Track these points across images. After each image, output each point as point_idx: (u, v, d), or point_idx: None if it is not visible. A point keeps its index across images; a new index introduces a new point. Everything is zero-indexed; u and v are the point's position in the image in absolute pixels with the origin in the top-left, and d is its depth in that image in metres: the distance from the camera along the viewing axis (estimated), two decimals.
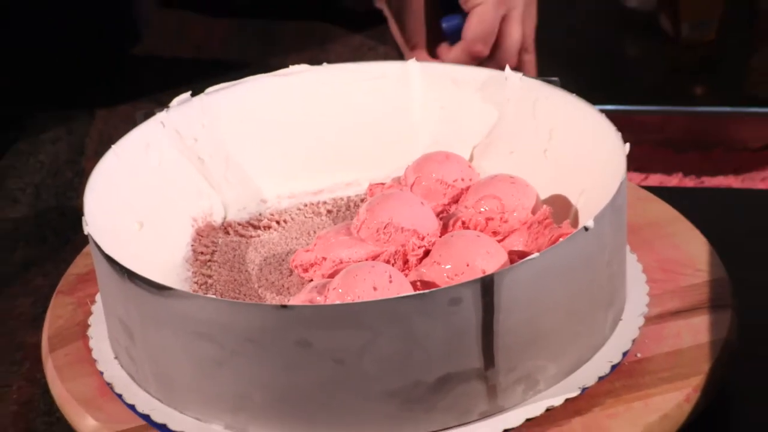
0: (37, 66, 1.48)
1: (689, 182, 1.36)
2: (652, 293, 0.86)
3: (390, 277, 0.79)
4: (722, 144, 1.40)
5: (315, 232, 0.95)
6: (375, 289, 0.77)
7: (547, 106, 0.96)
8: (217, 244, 0.94)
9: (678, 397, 0.73)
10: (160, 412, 0.75)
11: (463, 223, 0.88)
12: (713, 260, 0.89)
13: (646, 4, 1.82)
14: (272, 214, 0.99)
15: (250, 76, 1.04)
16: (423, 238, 0.86)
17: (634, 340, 0.80)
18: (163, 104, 0.97)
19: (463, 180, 0.94)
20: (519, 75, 1.01)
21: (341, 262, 0.85)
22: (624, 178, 0.81)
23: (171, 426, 0.74)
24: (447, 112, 1.02)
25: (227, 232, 0.96)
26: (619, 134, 0.86)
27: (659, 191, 0.99)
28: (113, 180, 0.88)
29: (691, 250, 0.90)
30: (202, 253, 0.93)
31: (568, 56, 1.61)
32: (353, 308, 0.74)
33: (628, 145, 0.85)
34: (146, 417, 0.75)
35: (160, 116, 0.96)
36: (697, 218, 0.95)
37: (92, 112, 1.26)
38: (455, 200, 0.93)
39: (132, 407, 0.76)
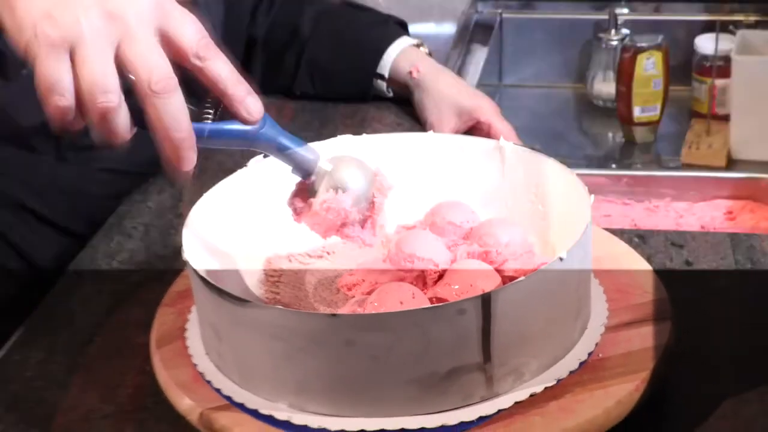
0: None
1: (640, 225, 1.35)
2: (611, 308, 0.86)
3: (413, 294, 0.80)
4: (664, 197, 1.39)
5: (356, 260, 0.94)
6: (401, 303, 0.78)
7: (533, 167, 0.96)
8: (282, 270, 0.94)
9: (630, 387, 0.75)
10: (240, 395, 0.77)
11: (468, 254, 0.88)
12: (656, 284, 0.89)
13: (607, 95, 1.80)
14: (323, 247, 0.98)
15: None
16: (437, 266, 0.86)
17: (596, 344, 0.81)
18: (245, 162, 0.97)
19: (468, 222, 0.93)
20: (512, 144, 1.00)
21: (376, 283, 0.85)
22: (589, 222, 0.82)
23: (247, 405, 0.75)
24: (457, 171, 1.02)
25: (290, 261, 0.96)
26: (586, 188, 0.87)
27: (617, 232, 0.99)
28: (205, 219, 0.89)
29: (640, 277, 0.91)
30: (271, 276, 0.94)
31: (551, 133, 1.60)
32: (385, 317, 0.76)
33: (593, 196, 0.85)
34: (228, 398, 0.77)
35: (243, 171, 0.96)
36: (645, 252, 0.95)
37: (178, 186, 1.23)
38: (462, 237, 0.92)
39: (218, 390, 0.78)
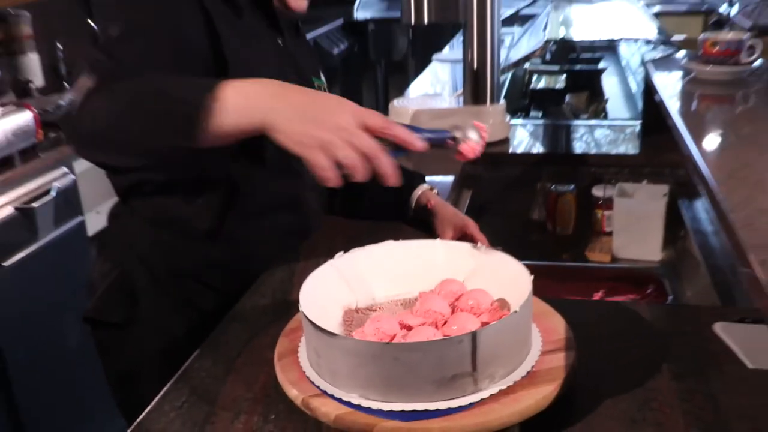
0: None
1: (560, 295, 1.33)
2: (543, 341, 0.85)
3: (433, 333, 0.81)
4: (575, 278, 1.39)
5: (395, 313, 0.94)
6: (426, 337, 0.80)
7: (496, 258, 0.96)
8: (353, 318, 0.94)
9: (551, 387, 0.76)
10: (329, 388, 0.78)
11: (461, 309, 0.89)
12: (566, 328, 0.89)
13: (540, 215, 1.79)
14: (378, 304, 0.98)
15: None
16: (444, 316, 0.86)
17: (535, 361, 0.81)
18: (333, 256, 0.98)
19: (460, 291, 0.93)
20: (484, 246, 1.00)
21: (410, 327, 0.84)
22: (530, 292, 0.83)
23: (335, 394, 0.77)
24: (454, 260, 1.00)
25: (357, 312, 0.95)
26: (527, 271, 0.87)
27: (545, 298, 0.97)
28: (312, 288, 0.89)
29: (558, 323, 0.90)
30: (346, 321, 0.93)
31: (511, 236, 1.55)
32: (415, 345, 0.77)
33: (532, 277, 0.86)
34: (322, 390, 0.78)
35: (330, 261, 0.96)
36: (563, 312, 0.94)
37: (293, 269, 1.20)
38: (456, 299, 0.91)
39: (316, 386, 0.79)
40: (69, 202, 2.02)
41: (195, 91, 0.86)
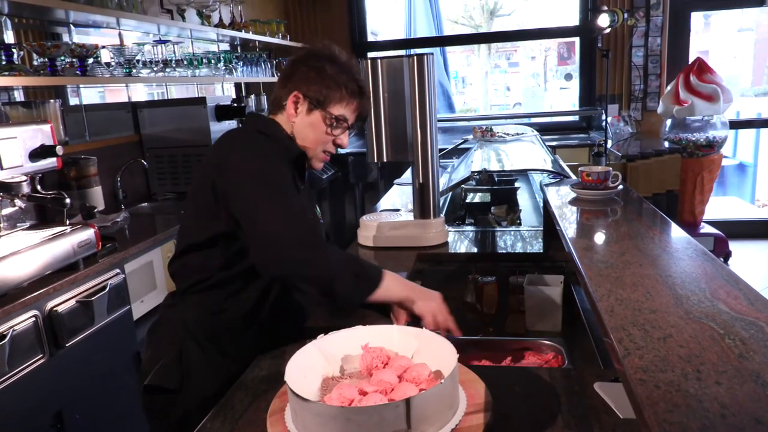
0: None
1: (485, 362, 1.31)
2: (467, 404, 0.85)
3: (380, 399, 0.81)
4: (497, 348, 1.36)
5: (362, 382, 0.92)
6: (374, 401, 0.79)
7: (433, 338, 0.96)
8: (329, 384, 0.93)
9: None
10: None
11: (406, 379, 0.88)
12: (486, 393, 0.89)
13: (471, 299, 1.75)
14: (347, 374, 0.97)
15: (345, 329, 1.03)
16: (392, 385, 0.86)
17: (459, 421, 0.80)
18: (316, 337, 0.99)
19: (406, 363, 0.92)
20: (426, 330, 1.02)
21: (365, 393, 0.84)
22: (456, 363, 0.83)
23: None
24: (405, 339, 1.00)
25: (332, 380, 0.94)
26: (455, 350, 0.87)
27: (472, 367, 0.98)
28: (297, 361, 0.89)
29: (480, 389, 0.90)
30: (323, 387, 0.92)
31: None
32: (362, 408, 0.76)
33: (457, 355, 0.85)
34: None
35: (313, 342, 0.96)
36: (485, 377, 0.94)
37: (284, 349, 1.18)
38: (404, 371, 0.91)
39: None
40: (119, 295, 2.01)
41: (375, 271, 1.17)
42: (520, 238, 2.01)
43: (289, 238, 1.05)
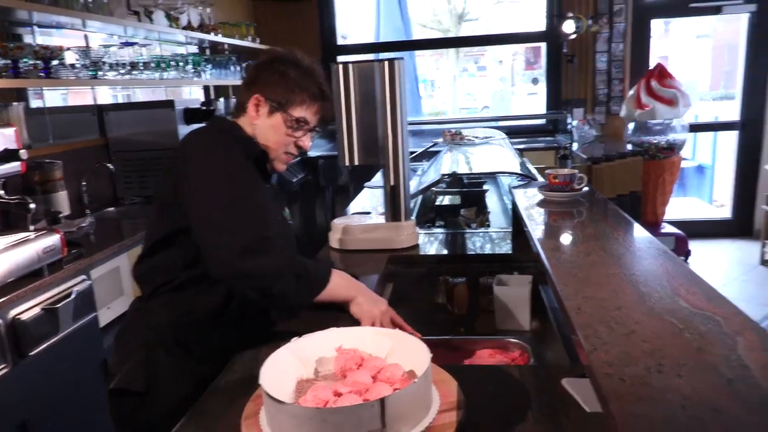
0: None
1: (457, 362, 1.31)
2: (441, 402, 0.86)
3: (356, 399, 0.81)
4: (468, 347, 1.36)
5: (336, 382, 0.91)
6: (350, 402, 0.79)
7: (406, 337, 0.97)
8: (303, 387, 0.92)
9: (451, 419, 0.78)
10: None
11: (380, 380, 0.89)
12: (459, 392, 0.90)
13: (442, 300, 1.77)
14: (322, 376, 0.96)
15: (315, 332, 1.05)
16: (366, 385, 0.86)
17: (433, 419, 0.81)
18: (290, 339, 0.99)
19: (380, 364, 0.93)
20: (398, 330, 1.03)
21: (340, 394, 0.84)
22: (429, 363, 0.84)
23: None
24: (376, 343, 1.00)
25: (306, 382, 0.94)
26: (428, 349, 0.88)
27: (445, 366, 0.99)
28: (272, 364, 0.89)
29: (452, 387, 0.91)
30: (298, 390, 0.92)
31: (416, 323, 1.52)
32: (339, 409, 0.77)
33: (431, 355, 0.87)
34: None
35: (287, 345, 0.96)
36: (457, 375, 0.95)
37: (258, 352, 1.16)
38: (378, 372, 0.91)
39: None
40: (86, 301, 1.97)
41: (322, 270, 1.22)
42: (489, 239, 2.04)
43: (230, 247, 1.05)
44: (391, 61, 1.73)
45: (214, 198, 1.10)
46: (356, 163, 1.79)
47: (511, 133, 4.47)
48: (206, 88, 4.20)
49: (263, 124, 1.28)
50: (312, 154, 4.38)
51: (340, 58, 5.05)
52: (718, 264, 4.39)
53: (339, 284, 1.23)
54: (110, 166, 2.91)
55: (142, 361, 1.18)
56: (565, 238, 1.34)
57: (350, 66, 1.74)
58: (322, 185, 4.44)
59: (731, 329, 0.82)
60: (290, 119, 1.28)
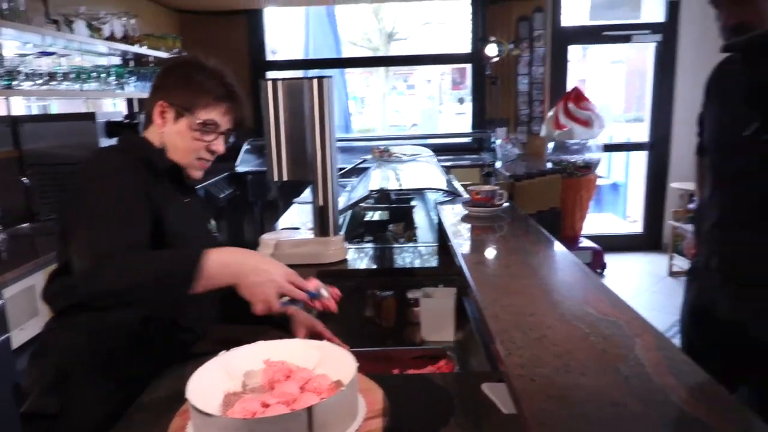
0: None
1: (384, 372, 1.31)
2: (367, 410, 0.88)
3: (283, 409, 0.82)
4: (395, 358, 1.39)
5: (265, 394, 0.92)
6: (277, 413, 0.81)
7: (334, 349, 0.98)
8: (231, 400, 0.91)
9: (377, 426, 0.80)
10: None
11: (308, 390, 0.90)
12: (384, 399, 0.92)
13: (370, 313, 1.79)
14: (250, 388, 0.95)
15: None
16: (294, 396, 0.87)
17: (359, 426, 0.83)
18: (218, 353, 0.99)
19: (308, 376, 0.93)
20: (326, 341, 1.04)
21: (268, 405, 0.85)
22: (355, 372, 0.86)
23: None
24: (304, 355, 1.01)
25: (234, 395, 0.93)
26: (354, 359, 0.90)
27: (372, 376, 1.00)
28: (199, 378, 0.88)
29: (378, 395, 0.93)
30: (225, 403, 0.91)
31: (345, 336, 1.54)
32: (266, 419, 0.78)
33: (357, 364, 0.88)
34: None
35: (215, 358, 0.96)
36: (383, 385, 0.97)
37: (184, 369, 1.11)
38: (306, 383, 0.92)
39: None
40: None
41: (188, 263, 1.01)
42: (416, 254, 2.09)
43: (83, 266, 0.99)
44: (320, 79, 1.77)
45: (84, 222, 1.05)
46: (285, 178, 1.80)
47: (439, 150, 4.60)
48: (130, 101, 4.09)
49: (170, 131, 1.24)
50: (240, 169, 4.34)
51: (270, 74, 5.05)
52: (631, 276, 4.67)
53: (214, 271, 1.01)
54: (25, 179, 2.77)
55: (56, 383, 1.14)
56: (487, 252, 1.41)
57: (279, 83, 1.76)
58: (251, 201, 4.40)
59: (631, 332, 0.90)
60: (197, 123, 1.23)
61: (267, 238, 1.90)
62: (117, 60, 3.78)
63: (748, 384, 1.42)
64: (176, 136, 1.24)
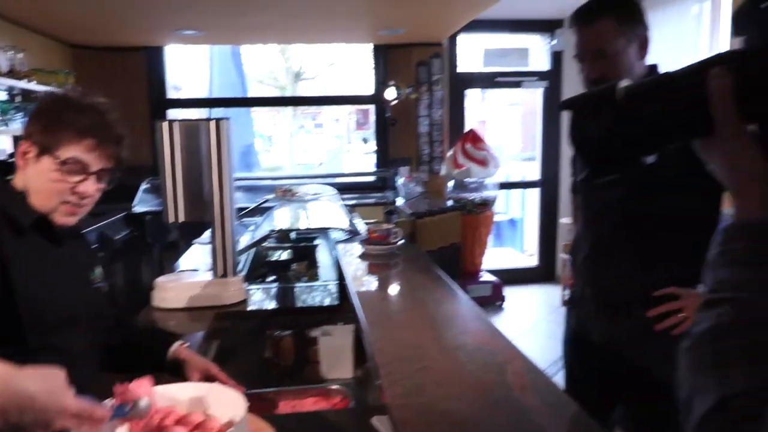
0: None
1: (283, 411, 1.32)
2: None
3: None
4: (294, 397, 1.38)
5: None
6: None
7: (227, 393, 0.98)
8: None
9: None
10: None
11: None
12: None
13: (269, 354, 1.78)
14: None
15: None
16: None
17: None
18: None
19: (199, 418, 0.92)
20: (218, 384, 1.05)
21: None
22: (245, 413, 0.88)
23: None
24: (193, 398, 1.01)
25: None
26: (244, 399, 0.90)
27: (269, 416, 1.01)
28: None
29: None
30: None
31: (244, 378, 1.53)
32: None
33: (247, 404, 0.90)
34: None
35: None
36: (279, 424, 0.99)
37: None
38: (195, 426, 0.90)
39: None
40: None
41: None
42: (318, 292, 2.12)
43: None
44: (218, 120, 1.79)
45: None
46: (181, 219, 1.79)
47: (344, 189, 4.69)
48: (16, 138, 3.86)
49: (32, 173, 1.11)
50: (138, 209, 4.20)
51: (172, 112, 4.96)
52: (529, 306, 4.92)
53: None
54: None
55: None
56: (380, 288, 1.47)
57: (176, 124, 1.76)
58: (150, 242, 4.25)
59: (504, 359, 0.98)
60: (57, 161, 1.09)
61: (162, 281, 1.86)
62: (2, 95, 3.59)
63: (623, 404, 1.54)
64: (37, 177, 1.10)
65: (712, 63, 0.59)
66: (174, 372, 1.28)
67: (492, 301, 4.70)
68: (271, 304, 1.96)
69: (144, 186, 4.33)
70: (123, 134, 1.17)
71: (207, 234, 3.09)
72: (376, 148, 5.16)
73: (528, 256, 6.24)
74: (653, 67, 1.52)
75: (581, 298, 1.63)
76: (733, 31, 0.62)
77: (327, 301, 1.98)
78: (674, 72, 0.63)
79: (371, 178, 5.13)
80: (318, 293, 2.10)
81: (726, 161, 0.58)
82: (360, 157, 9.70)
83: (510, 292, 4.91)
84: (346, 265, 1.67)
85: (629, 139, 0.62)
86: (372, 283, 1.52)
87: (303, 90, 11.04)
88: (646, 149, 0.63)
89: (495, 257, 5.67)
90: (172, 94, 5.06)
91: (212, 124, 1.79)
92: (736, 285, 0.55)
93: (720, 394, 0.50)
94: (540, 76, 5.33)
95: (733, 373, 0.51)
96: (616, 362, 1.50)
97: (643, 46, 1.49)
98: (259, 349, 1.83)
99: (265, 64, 10.99)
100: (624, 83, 0.64)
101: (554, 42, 4.99)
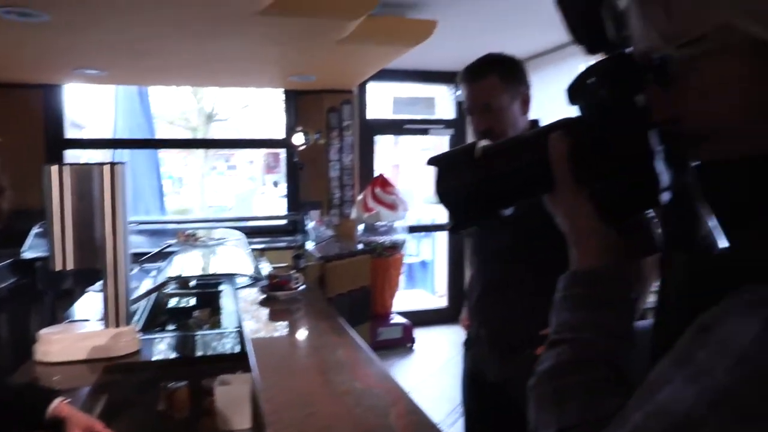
0: None
1: None
2: None
3: None
4: None
5: None
6: None
7: None
8: None
9: None
10: None
11: None
12: None
13: (163, 406, 1.70)
14: None
15: None
16: None
17: None
18: None
19: None
20: None
21: None
22: None
23: None
24: None
25: None
26: None
27: None
28: None
29: None
30: None
31: None
32: None
33: None
34: None
35: None
36: None
37: None
38: None
39: None
40: None
41: None
42: (218, 340, 2.06)
43: None
44: (112, 165, 1.75)
45: None
46: (70, 267, 1.71)
47: (256, 232, 4.64)
48: None
49: None
50: (27, 255, 3.94)
51: (71, 152, 4.73)
52: (439, 347, 5.01)
53: None
54: None
55: None
56: (276, 334, 1.47)
57: (66, 168, 1.71)
58: (41, 290, 3.98)
59: (389, 401, 1.01)
60: None
61: (46, 332, 1.76)
62: None
63: None
64: None
65: (555, 127, 0.67)
66: (55, 430, 1.24)
67: (403, 343, 4.75)
68: (167, 354, 1.89)
69: (36, 230, 4.07)
70: (4, 185, 1.12)
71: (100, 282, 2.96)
72: (286, 191, 5.16)
73: (438, 298, 6.38)
74: (535, 122, 1.66)
75: (476, 339, 1.70)
76: (567, 101, 0.70)
77: (227, 349, 1.94)
78: (526, 134, 0.71)
79: (282, 222, 5.10)
80: (218, 341, 2.05)
81: (566, 216, 0.65)
82: (273, 200, 9.64)
83: (420, 334, 4.99)
84: (244, 312, 1.66)
85: (484, 194, 0.68)
86: (269, 330, 1.52)
87: (215, 131, 10.91)
88: (500, 204, 0.70)
89: (407, 299, 5.76)
90: (73, 133, 4.84)
91: (106, 168, 1.74)
92: (575, 326, 0.61)
93: (558, 427, 0.56)
94: (446, 124, 5.59)
95: (570, 407, 0.56)
96: (510, 402, 1.57)
97: (525, 103, 1.63)
98: (153, 403, 1.74)
99: (177, 105, 10.80)
100: (483, 143, 0.71)
101: (458, 92, 5.25)
